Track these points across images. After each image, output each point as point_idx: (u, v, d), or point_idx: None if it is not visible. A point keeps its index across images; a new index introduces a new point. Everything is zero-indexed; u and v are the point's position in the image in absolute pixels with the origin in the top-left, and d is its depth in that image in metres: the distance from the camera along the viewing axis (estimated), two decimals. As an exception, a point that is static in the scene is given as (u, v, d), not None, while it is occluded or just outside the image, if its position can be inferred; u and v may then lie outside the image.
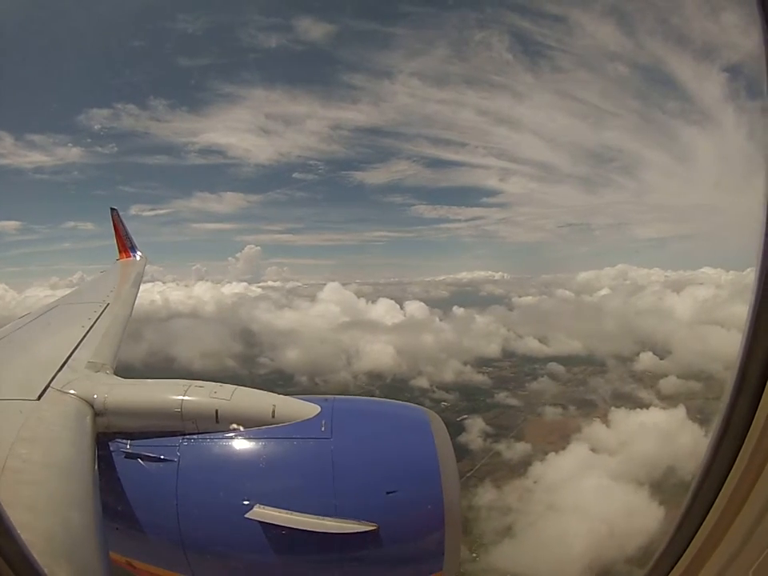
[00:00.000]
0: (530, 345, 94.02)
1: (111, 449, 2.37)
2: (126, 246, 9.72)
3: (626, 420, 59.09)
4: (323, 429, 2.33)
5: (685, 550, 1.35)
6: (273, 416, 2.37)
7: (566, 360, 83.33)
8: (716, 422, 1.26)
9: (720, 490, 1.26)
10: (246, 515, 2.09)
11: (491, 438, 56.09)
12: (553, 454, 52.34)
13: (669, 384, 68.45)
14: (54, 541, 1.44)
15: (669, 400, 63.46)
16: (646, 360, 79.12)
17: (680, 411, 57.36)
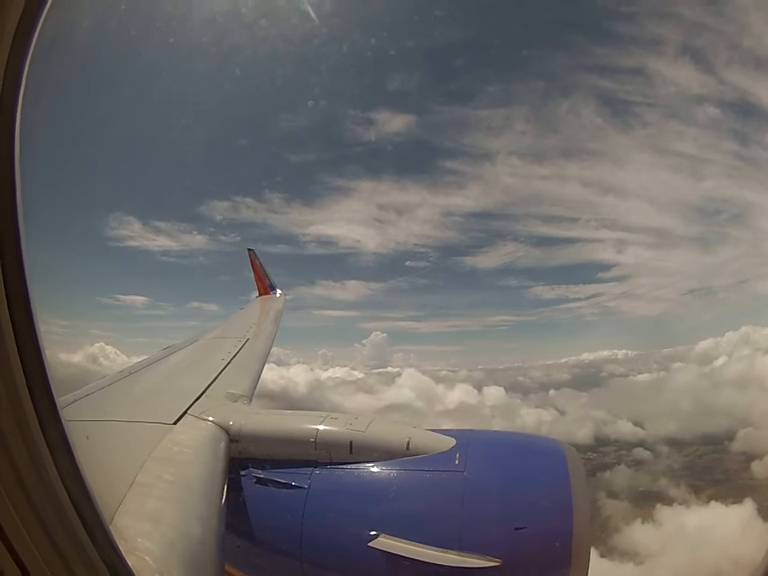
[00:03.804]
0: (623, 429, 77.20)
1: (243, 473, 2.44)
2: (265, 285, 9.73)
3: (685, 516, 42.62)
4: (457, 462, 2.30)
5: None
6: (407, 448, 2.37)
7: (656, 444, 66.39)
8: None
9: None
10: (370, 544, 2.10)
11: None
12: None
13: (761, 467, 47.88)
14: (172, 549, 1.51)
15: (757, 488, 44.04)
16: (744, 438, 57.62)
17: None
